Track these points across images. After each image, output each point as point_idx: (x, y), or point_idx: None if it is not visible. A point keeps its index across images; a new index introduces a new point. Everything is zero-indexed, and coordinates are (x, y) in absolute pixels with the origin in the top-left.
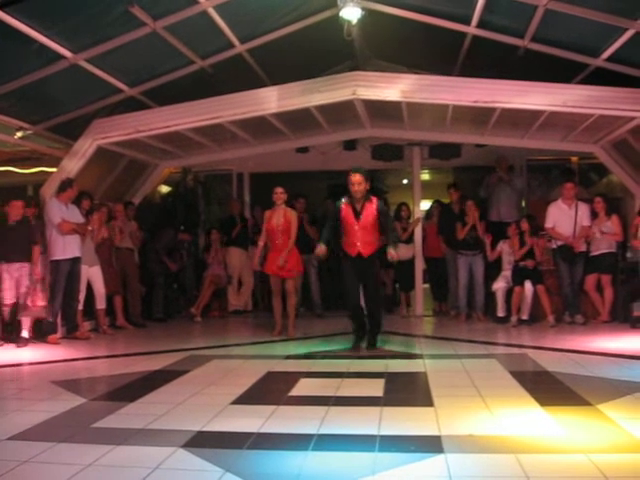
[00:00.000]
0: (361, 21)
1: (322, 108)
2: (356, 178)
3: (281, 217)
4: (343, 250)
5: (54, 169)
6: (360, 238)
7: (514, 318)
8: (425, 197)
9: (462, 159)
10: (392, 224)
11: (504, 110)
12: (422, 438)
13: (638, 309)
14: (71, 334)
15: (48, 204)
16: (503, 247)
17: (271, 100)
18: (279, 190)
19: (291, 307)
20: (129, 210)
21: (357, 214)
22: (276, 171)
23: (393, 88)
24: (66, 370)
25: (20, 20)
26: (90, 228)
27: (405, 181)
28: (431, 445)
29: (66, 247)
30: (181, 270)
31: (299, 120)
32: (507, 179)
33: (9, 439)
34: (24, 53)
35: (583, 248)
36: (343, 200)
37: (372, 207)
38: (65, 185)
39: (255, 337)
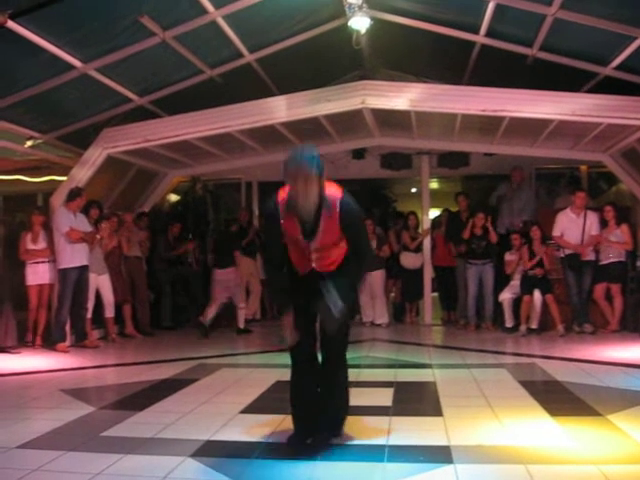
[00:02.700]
0: (370, 30)
1: (331, 117)
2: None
3: None
4: (287, 265)
5: (64, 178)
6: (316, 256)
7: (523, 327)
8: (434, 206)
9: (471, 168)
10: (367, 243)
11: (513, 119)
12: (431, 448)
13: None
14: (80, 342)
15: (56, 213)
16: (512, 258)
17: (280, 109)
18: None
19: None
20: (142, 220)
21: (308, 232)
22: (284, 180)
23: (402, 97)
24: (75, 378)
25: (31, 30)
26: (99, 237)
27: (414, 190)
28: (440, 455)
29: (74, 255)
30: (189, 277)
31: (308, 129)
32: (514, 187)
33: (18, 447)
34: (34, 63)
35: (591, 256)
36: (278, 202)
37: (334, 216)
38: (74, 194)
39: (264, 346)
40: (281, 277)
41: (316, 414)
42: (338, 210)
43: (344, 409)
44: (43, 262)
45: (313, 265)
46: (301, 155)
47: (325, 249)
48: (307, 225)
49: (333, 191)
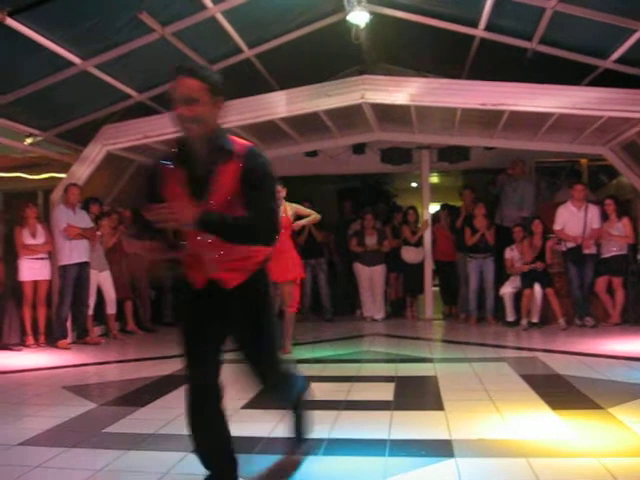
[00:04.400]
0: (369, 25)
1: (331, 112)
2: (185, 85)
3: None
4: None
5: (64, 175)
6: (212, 245)
7: (524, 321)
8: (434, 200)
9: (471, 162)
10: (271, 199)
11: (513, 113)
12: (433, 442)
13: None
14: (81, 339)
15: (55, 210)
16: (512, 254)
17: (280, 105)
18: (277, 188)
19: (289, 318)
20: None
21: (198, 187)
22: (285, 175)
23: (401, 92)
24: (77, 375)
25: (30, 27)
26: (99, 233)
27: (414, 184)
28: (442, 449)
29: (72, 252)
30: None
31: (308, 124)
32: (510, 179)
33: (20, 444)
34: (33, 60)
35: (593, 250)
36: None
37: (234, 168)
38: (64, 189)
39: None
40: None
41: (219, 452)
42: (243, 161)
43: (288, 386)
44: (42, 258)
45: (210, 264)
46: (185, 66)
47: None
48: (197, 180)
49: (240, 141)
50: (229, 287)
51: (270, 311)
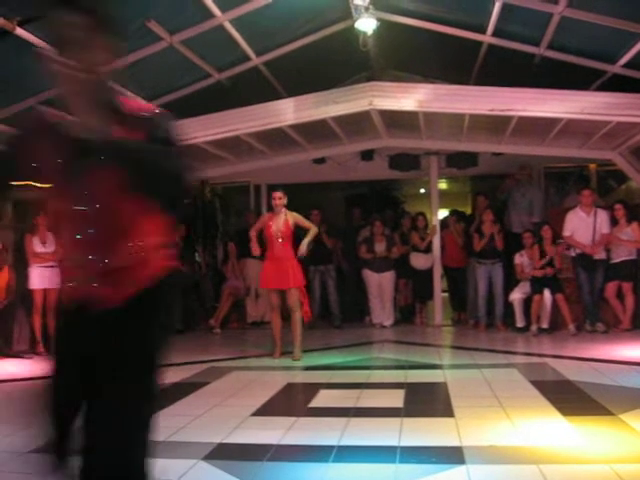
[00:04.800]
0: (376, 32)
1: (339, 119)
2: (61, 22)
3: (281, 223)
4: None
5: None
6: (88, 244)
7: (534, 327)
8: (443, 206)
9: (479, 168)
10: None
11: (521, 118)
12: (443, 449)
13: None
14: None
15: None
16: (522, 260)
17: (288, 112)
18: (277, 195)
19: (296, 324)
20: None
21: (78, 162)
22: (293, 182)
23: (409, 98)
24: None
25: (39, 37)
26: None
27: (422, 190)
28: (452, 456)
29: None
30: (199, 280)
31: (316, 131)
32: (518, 184)
33: (32, 452)
34: (43, 69)
35: (603, 255)
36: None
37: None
38: None
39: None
40: None
41: None
42: (146, 129)
43: None
44: (52, 266)
45: (85, 275)
46: None
47: (107, 211)
48: (77, 153)
49: (136, 102)
50: (105, 306)
51: (153, 359)
